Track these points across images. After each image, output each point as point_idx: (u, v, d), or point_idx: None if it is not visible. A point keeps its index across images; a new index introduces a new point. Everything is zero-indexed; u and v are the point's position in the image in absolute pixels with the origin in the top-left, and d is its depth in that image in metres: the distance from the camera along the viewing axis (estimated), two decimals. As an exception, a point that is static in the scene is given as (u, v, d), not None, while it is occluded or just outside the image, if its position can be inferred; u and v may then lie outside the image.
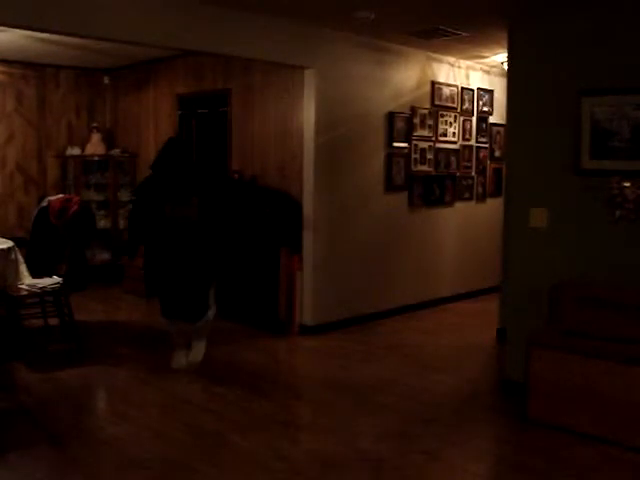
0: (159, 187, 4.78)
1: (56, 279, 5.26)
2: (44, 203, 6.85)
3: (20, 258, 5.14)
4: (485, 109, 7.61)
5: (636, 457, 3.50)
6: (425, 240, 6.97)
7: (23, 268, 5.15)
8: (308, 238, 5.87)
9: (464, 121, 7.33)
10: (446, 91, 7.06)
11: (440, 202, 7.08)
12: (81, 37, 5.00)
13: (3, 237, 5.48)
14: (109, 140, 8.38)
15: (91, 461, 3.41)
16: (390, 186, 6.47)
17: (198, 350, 4.95)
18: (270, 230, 6.01)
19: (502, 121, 7.21)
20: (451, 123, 7.16)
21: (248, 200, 5.98)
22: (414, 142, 6.70)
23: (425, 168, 6.87)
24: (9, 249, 5.02)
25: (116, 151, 8.20)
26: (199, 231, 4.73)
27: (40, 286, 5.10)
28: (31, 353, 5.13)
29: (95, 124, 8.30)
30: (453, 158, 7.21)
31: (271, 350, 5.49)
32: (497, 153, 7.80)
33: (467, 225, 7.47)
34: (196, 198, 4.71)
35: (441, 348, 5.60)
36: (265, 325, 5.98)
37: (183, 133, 7.46)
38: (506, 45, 4.79)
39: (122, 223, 7.90)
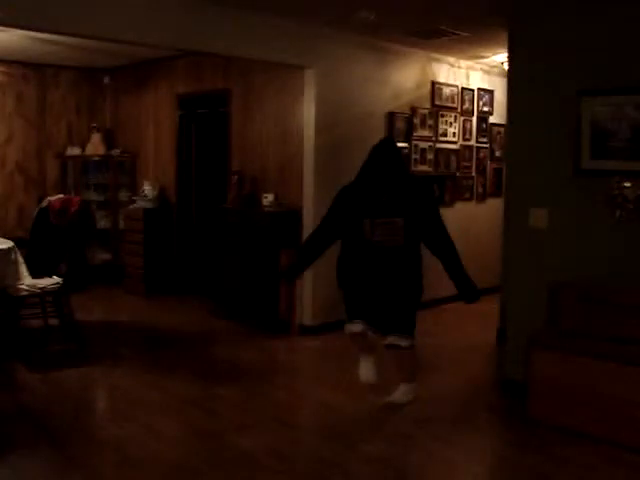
0: (360, 199, 4.03)
1: (56, 279, 5.26)
2: (44, 203, 6.84)
3: (20, 258, 5.15)
4: (485, 109, 7.60)
5: (636, 457, 3.50)
6: (425, 240, 6.96)
7: (23, 268, 5.15)
8: (308, 238, 5.87)
9: (464, 121, 7.33)
10: (446, 91, 7.05)
11: (440, 202, 7.07)
12: (81, 37, 5.00)
13: (3, 237, 5.49)
14: (109, 140, 8.36)
15: (91, 461, 3.41)
16: (390, 186, 6.46)
17: (406, 391, 4.13)
18: (270, 231, 6.00)
19: (502, 121, 7.20)
20: (451, 123, 7.15)
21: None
22: (414, 142, 6.70)
23: (425, 168, 6.86)
24: (9, 249, 5.03)
25: (116, 151, 8.19)
26: (406, 259, 4.02)
27: (40, 286, 5.10)
28: (31, 353, 5.13)
29: (95, 124, 8.29)
30: (453, 158, 7.21)
31: (271, 350, 5.49)
32: (497, 153, 7.80)
33: (467, 225, 7.45)
34: (402, 218, 3.88)
35: (441, 348, 5.60)
36: (265, 325, 5.98)
37: (183, 133, 7.47)
38: (506, 45, 4.79)
39: (122, 223, 7.89)
